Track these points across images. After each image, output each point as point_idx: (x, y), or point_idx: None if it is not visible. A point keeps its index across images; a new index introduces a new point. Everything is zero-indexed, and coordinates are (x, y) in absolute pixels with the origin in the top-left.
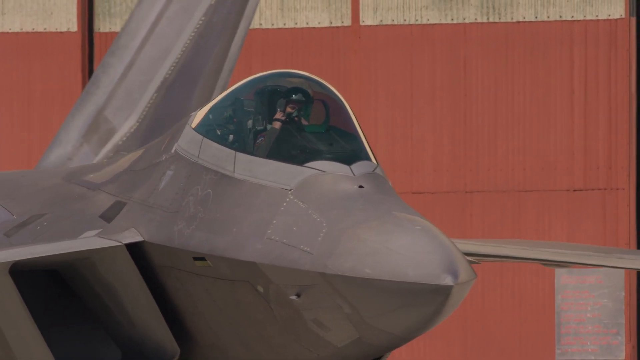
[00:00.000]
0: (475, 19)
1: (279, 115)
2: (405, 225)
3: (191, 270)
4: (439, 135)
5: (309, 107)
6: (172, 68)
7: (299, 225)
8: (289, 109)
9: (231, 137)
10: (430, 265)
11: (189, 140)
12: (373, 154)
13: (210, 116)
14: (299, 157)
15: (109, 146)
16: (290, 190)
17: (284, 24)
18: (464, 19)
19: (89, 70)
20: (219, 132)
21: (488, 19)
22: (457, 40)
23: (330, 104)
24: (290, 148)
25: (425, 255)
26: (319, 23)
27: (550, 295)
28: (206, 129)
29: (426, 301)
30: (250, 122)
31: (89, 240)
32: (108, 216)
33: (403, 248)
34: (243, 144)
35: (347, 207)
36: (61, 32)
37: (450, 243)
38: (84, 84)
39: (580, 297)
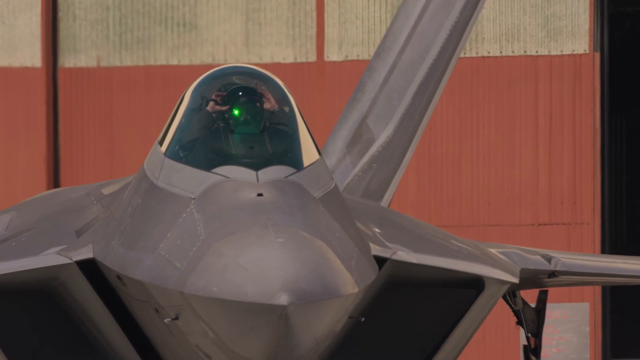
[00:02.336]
0: None
1: (210, 115)
2: (266, 238)
3: (120, 288)
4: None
5: (246, 105)
6: (427, 71)
7: (183, 239)
8: (221, 109)
9: (167, 142)
10: (270, 282)
11: (151, 150)
12: (316, 155)
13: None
14: (210, 161)
15: (366, 157)
16: (194, 199)
17: (249, 59)
18: None
19: (53, 105)
20: (162, 138)
21: None
22: None
23: (273, 102)
24: (207, 152)
25: (270, 271)
26: (283, 59)
27: (514, 329)
28: (160, 137)
29: (266, 323)
30: (185, 126)
31: (42, 258)
32: (82, 231)
33: (251, 263)
34: (172, 149)
35: (230, 218)
36: (25, 68)
37: (320, 257)
38: (48, 119)
39: (545, 331)
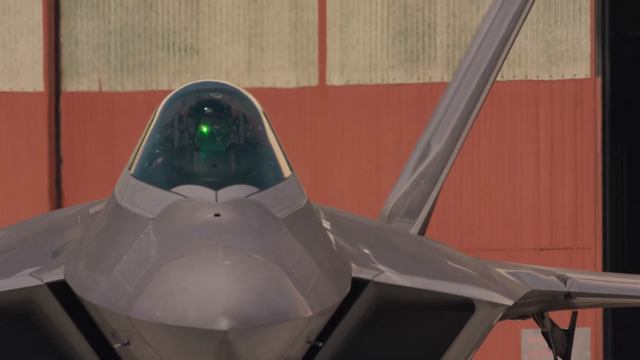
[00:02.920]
0: (442, 79)
1: (175, 133)
2: (214, 261)
3: (87, 309)
4: None
5: (211, 123)
6: (472, 91)
7: (136, 261)
8: (186, 126)
9: (134, 161)
10: (212, 307)
11: (123, 171)
12: (285, 174)
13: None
14: (171, 180)
15: (416, 174)
16: (153, 219)
17: (251, 84)
18: (430, 78)
19: (55, 129)
20: (132, 157)
21: None
22: (424, 100)
23: (242, 120)
24: (168, 171)
25: (214, 295)
26: (286, 83)
27: (516, 354)
28: (131, 158)
29: (208, 348)
30: (150, 145)
31: (14, 280)
32: (59, 251)
33: (195, 287)
34: (137, 168)
35: (183, 239)
36: (28, 92)
37: (269, 280)
38: (50, 144)
39: (547, 356)
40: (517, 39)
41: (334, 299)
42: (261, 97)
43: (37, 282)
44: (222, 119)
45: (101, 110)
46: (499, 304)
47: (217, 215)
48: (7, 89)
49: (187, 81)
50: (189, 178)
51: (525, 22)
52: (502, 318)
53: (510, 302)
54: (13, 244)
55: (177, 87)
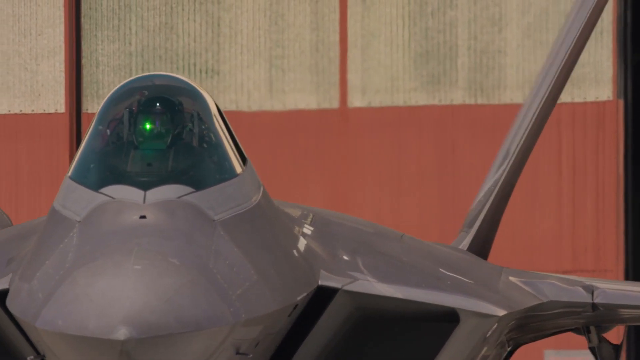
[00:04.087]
0: (463, 101)
1: (112, 131)
2: (123, 265)
3: None
4: (427, 216)
5: (149, 118)
6: (533, 113)
7: (54, 268)
8: (123, 123)
9: (74, 162)
10: (111, 315)
11: None
12: (234, 173)
13: None
14: (101, 181)
15: (481, 193)
16: (79, 221)
17: (272, 106)
18: (452, 100)
19: (77, 151)
20: (74, 159)
21: (476, 101)
22: (445, 122)
23: (184, 115)
24: (100, 170)
25: (116, 301)
26: (307, 105)
27: None
28: None
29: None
30: (87, 144)
31: None
32: (14, 259)
33: (98, 293)
34: (74, 169)
35: (100, 243)
36: (49, 114)
37: (182, 286)
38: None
39: None
40: (538, 62)
41: (267, 306)
42: (282, 119)
43: None
44: (160, 115)
45: None
46: (487, 314)
47: (142, 217)
48: (28, 111)
49: None
50: (119, 178)
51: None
52: (527, 335)
53: (500, 313)
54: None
55: None
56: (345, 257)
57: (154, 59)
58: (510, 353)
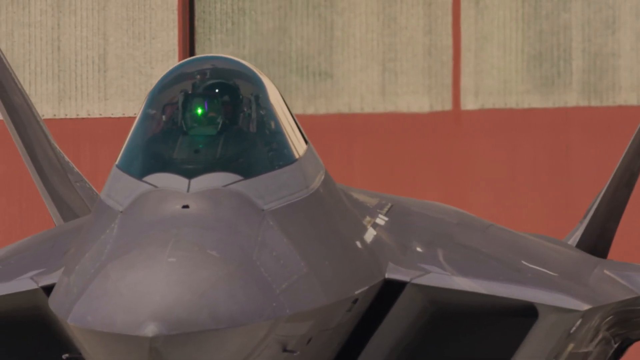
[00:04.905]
0: (577, 103)
1: (160, 116)
2: (157, 257)
3: None
4: (541, 221)
5: (199, 103)
6: None
7: (91, 261)
8: (172, 108)
9: (122, 150)
10: (140, 310)
11: None
12: (289, 160)
13: None
14: (145, 168)
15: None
16: (121, 212)
17: (385, 109)
18: (566, 103)
19: None
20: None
21: (590, 103)
22: (559, 125)
23: (237, 98)
24: (146, 158)
25: (145, 296)
26: (419, 108)
27: None
28: None
29: (137, 358)
30: (136, 131)
31: (11, 284)
32: (68, 251)
33: (128, 287)
34: (122, 157)
35: (139, 234)
36: None
37: (218, 279)
38: None
39: None
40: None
41: (317, 301)
42: (395, 121)
43: (32, 286)
44: (211, 99)
45: None
46: (568, 309)
47: (185, 207)
48: None
49: (322, 106)
50: (164, 165)
51: None
52: (635, 331)
53: (583, 307)
54: (30, 247)
55: (311, 112)
56: (418, 249)
57: (268, 63)
58: (622, 350)
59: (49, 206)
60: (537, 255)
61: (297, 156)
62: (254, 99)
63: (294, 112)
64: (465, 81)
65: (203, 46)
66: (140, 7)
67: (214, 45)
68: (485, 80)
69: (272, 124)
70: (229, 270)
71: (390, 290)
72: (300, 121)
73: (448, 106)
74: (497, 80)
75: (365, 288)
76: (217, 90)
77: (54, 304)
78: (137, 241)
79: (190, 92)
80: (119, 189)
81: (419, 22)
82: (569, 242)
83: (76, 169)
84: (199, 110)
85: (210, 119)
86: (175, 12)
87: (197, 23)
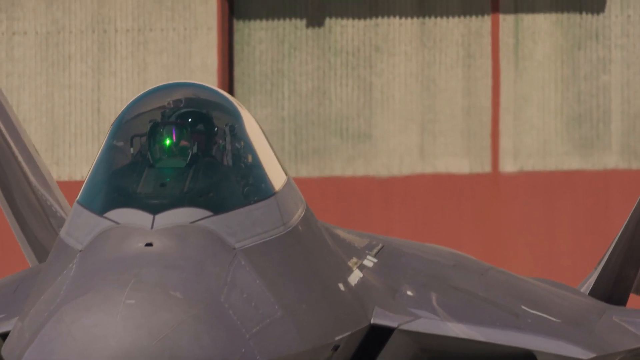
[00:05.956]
0: (616, 165)
1: (125, 147)
2: (114, 299)
3: None
4: (581, 281)
5: (167, 133)
6: None
7: (46, 303)
8: (138, 138)
9: (83, 185)
10: (95, 356)
11: None
12: (265, 194)
13: None
14: (107, 203)
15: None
16: (81, 250)
17: (423, 170)
18: (605, 164)
19: None
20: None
21: (630, 165)
22: (598, 187)
23: (209, 127)
24: (108, 192)
25: (100, 341)
26: (458, 169)
27: None
28: None
29: None
30: (99, 163)
31: None
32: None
33: (82, 331)
34: (83, 192)
35: (97, 274)
36: None
37: (181, 324)
38: None
39: None
40: None
41: (292, 347)
42: (434, 183)
43: None
44: (179, 129)
45: None
46: (571, 357)
47: (148, 245)
48: None
49: (360, 168)
50: (127, 200)
51: None
52: None
53: (586, 356)
54: (10, 285)
55: (349, 174)
56: (409, 293)
57: (307, 124)
58: None
59: (25, 251)
60: (539, 300)
61: (273, 190)
62: (227, 128)
63: (333, 174)
64: (504, 142)
65: None
66: (180, 69)
67: (253, 107)
68: (524, 142)
69: (247, 156)
70: (194, 312)
71: (378, 336)
72: (339, 183)
73: (487, 168)
74: (536, 142)
75: (347, 334)
76: (187, 119)
77: (6, 350)
78: (95, 282)
79: (157, 120)
80: (79, 226)
81: (458, 83)
82: (583, 289)
83: (61, 213)
84: (167, 141)
85: (179, 150)
86: (215, 74)
87: (237, 85)
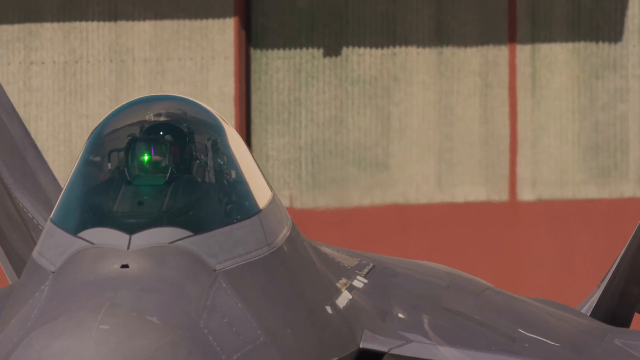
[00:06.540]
0: (634, 194)
1: (100, 164)
2: (86, 324)
3: None
4: None
5: (144, 149)
6: None
7: (16, 328)
8: (113, 155)
9: (56, 203)
10: None
11: None
12: (248, 212)
13: None
14: (81, 223)
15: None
16: (53, 272)
17: (442, 199)
18: (622, 193)
19: None
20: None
21: None
22: (615, 216)
23: (193, 142)
24: (82, 210)
25: None
26: (476, 198)
27: None
28: None
29: None
30: (73, 179)
31: None
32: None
33: (54, 358)
34: (56, 210)
35: (68, 299)
36: None
37: (157, 350)
38: None
39: None
40: None
41: None
42: (451, 212)
43: None
44: (159, 143)
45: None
46: None
47: (124, 266)
48: None
49: (378, 196)
50: (102, 219)
51: None
52: None
53: None
54: None
55: (367, 203)
56: (400, 315)
57: (324, 153)
58: None
59: (4, 266)
60: (537, 322)
61: (257, 209)
62: (209, 144)
63: (351, 204)
64: (522, 171)
65: (259, 136)
66: (197, 98)
67: (270, 135)
68: (541, 171)
69: (230, 173)
70: (171, 338)
71: None
72: (357, 212)
73: (505, 197)
74: (554, 171)
75: (335, 359)
76: (166, 134)
77: None
78: (67, 305)
79: (135, 135)
80: (51, 245)
81: (476, 112)
82: (584, 310)
83: (43, 226)
84: (145, 156)
85: (157, 166)
86: (232, 103)
87: (254, 114)
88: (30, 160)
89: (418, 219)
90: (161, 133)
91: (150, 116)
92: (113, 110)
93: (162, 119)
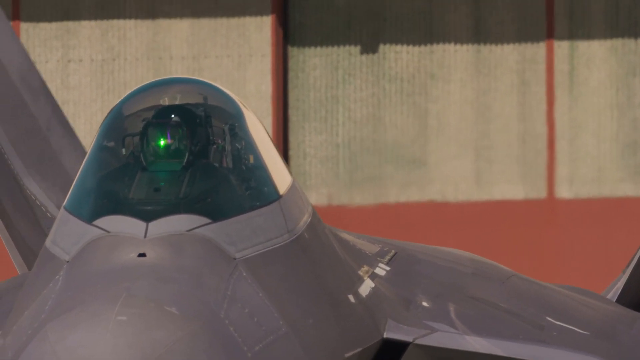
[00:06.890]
0: None
1: (116, 149)
2: (103, 316)
3: None
4: None
5: (161, 133)
6: None
7: (30, 319)
8: (129, 139)
9: (70, 190)
10: None
11: None
12: (268, 199)
13: None
14: (96, 210)
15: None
16: (68, 261)
17: (479, 197)
18: None
19: None
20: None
21: None
22: None
23: (212, 127)
24: (97, 197)
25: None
26: (513, 196)
27: None
28: None
29: None
30: (88, 165)
31: None
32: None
33: (67, 351)
34: (70, 197)
35: (83, 289)
36: None
37: (175, 342)
38: None
39: None
40: None
41: None
42: (489, 210)
43: None
44: (175, 128)
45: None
46: None
47: (141, 255)
48: None
49: (415, 194)
50: (118, 207)
51: None
52: None
53: None
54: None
55: (403, 200)
56: (424, 304)
57: (361, 151)
58: None
59: (12, 255)
60: (565, 310)
61: (277, 195)
62: (227, 128)
63: (388, 201)
64: (560, 169)
65: (297, 134)
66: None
67: (308, 133)
68: (579, 169)
69: (249, 158)
70: (191, 329)
71: (391, 351)
72: (394, 210)
73: (542, 194)
74: (592, 169)
75: (358, 350)
76: (183, 118)
77: None
78: (82, 296)
79: (151, 120)
80: (65, 234)
81: (513, 110)
82: (609, 296)
83: (53, 214)
84: (161, 142)
85: (174, 151)
86: (269, 100)
87: (291, 112)
88: (54, 140)
89: (455, 217)
90: (178, 117)
91: (166, 99)
92: (127, 93)
93: (179, 102)
